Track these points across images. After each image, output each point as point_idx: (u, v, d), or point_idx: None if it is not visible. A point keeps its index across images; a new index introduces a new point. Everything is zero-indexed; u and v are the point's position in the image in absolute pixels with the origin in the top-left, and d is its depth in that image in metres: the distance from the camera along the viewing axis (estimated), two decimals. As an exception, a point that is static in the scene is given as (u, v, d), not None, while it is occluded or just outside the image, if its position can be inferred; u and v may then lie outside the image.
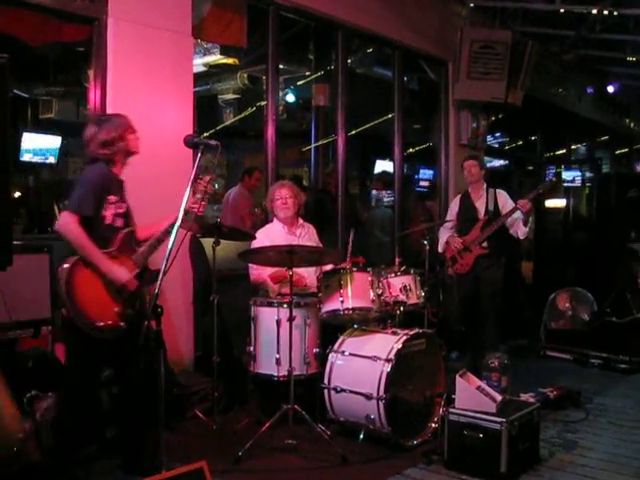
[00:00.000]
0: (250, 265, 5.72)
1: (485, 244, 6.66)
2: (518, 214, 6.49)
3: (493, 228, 6.61)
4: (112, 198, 4.12)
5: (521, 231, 6.64)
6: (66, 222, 3.96)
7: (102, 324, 3.94)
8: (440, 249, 7.06)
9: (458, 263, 6.81)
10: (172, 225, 4.11)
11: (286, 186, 5.90)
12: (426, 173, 11.17)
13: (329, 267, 5.67)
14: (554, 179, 6.93)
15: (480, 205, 6.85)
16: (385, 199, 10.40)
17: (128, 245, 4.18)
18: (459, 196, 7.20)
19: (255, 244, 5.56)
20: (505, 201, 6.78)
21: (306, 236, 5.90)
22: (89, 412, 4.15)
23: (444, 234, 7.06)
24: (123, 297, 4.08)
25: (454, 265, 6.86)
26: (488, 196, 6.83)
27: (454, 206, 7.18)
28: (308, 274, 5.70)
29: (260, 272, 5.69)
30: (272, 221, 5.99)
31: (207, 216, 9.08)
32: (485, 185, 6.91)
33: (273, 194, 5.87)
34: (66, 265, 3.92)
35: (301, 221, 5.96)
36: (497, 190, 6.88)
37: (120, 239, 4.15)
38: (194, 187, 4.37)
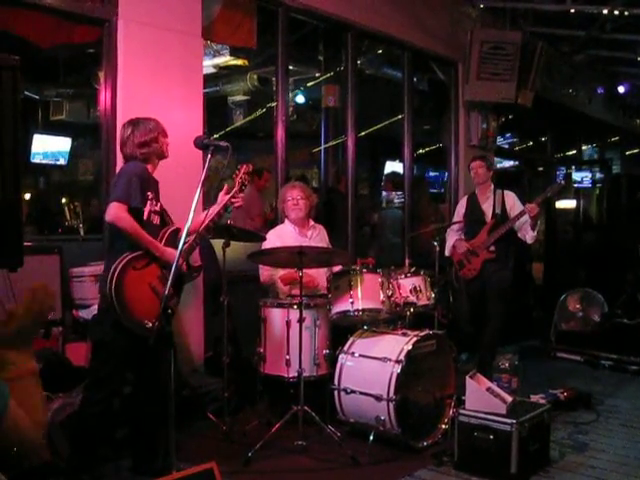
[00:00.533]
0: (260, 266, 5.73)
1: (492, 248, 6.48)
2: (526, 218, 6.33)
3: (500, 232, 6.44)
4: (150, 194, 4.18)
5: (529, 235, 6.48)
6: (117, 212, 4.00)
7: (150, 324, 3.95)
8: (447, 253, 6.89)
9: (465, 267, 6.64)
10: (213, 221, 4.23)
11: (297, 187, 5.90)
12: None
13: (338, 268, 5.67)
14: (562, 182, 6.75)
15: (487, 207, 6.67)
16: (395, 200, 10.38)
17: (172, 243, 4.20)
18: (465, 197, 7.08)
19: (266, 245, 5.57)
20: (513, 203, 6.62)
21: (317, 237, 5.89)
22: (105, 411, 4.15)
23: (451, 237, 6.90)
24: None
25: (461, 269, 6.70)
26: (495, 198, 6.65)
27: (460, 208, 7.02)
28: (318, 275, 5.70)
29: (271, 273, 5.70)
30: (283, 222, 5.99)
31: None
32: (493, 186, 6.76)
33: (284, 195, 5.87)
34: (115, 268, 3.93)
35: (312, 222, 5.96)
36: (505, 191, 6.72)
37: (166, 237, 4.22)
38: (233, 179, 4.45)
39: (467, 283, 6.73)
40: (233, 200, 4.48)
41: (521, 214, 6.34)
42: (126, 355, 4.14)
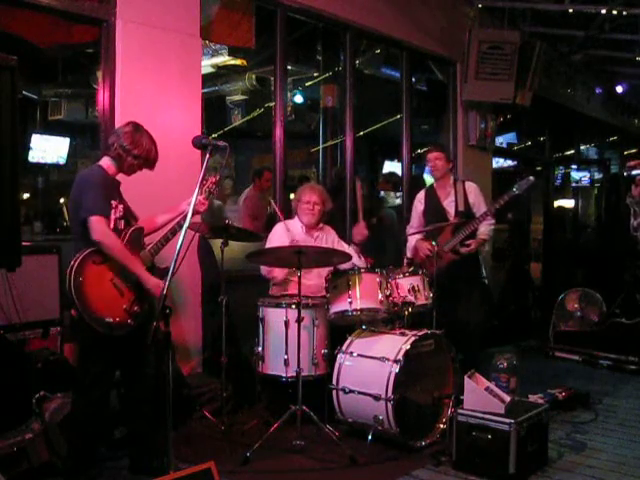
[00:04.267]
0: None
1: (458, 249, 5.95)
2: (490, 219, 5.97)
3: (465, 233, 5.90)
4: (113, 203, 4.14)
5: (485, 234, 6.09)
6: (102, 229, 3.96)
7: (111, 320, 3.95)
8: (409, 254, 6.35)
9: (426, 271, 5.82)
10: (179, 224, 4.19)
11: (317, 192, 5.78)
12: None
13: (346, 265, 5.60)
14: (531, 179, 6.07)
15: (449, 204, 6.16)
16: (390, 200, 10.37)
17: (136, 243, 4.20)
18: (423, 192, 6.50)
19: (272, 236, 5.62)
20: (475, 197, 6.15)
21: (322, 239, 5.85)
22: (99, 412, 4.15)
23: (412, 237, 6.39)
24: (132, 295, 4.09)
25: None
26: (457, 193, 6.13)
27: (418, 204, 6.45)
28: (319, 276, 5.66)
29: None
30: (294, 218, 5.95)
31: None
32: (452, 179, 6.28)
33: (302, 196, 5.76)
34: (74, 262, 3.90)
35: (321, 224, 5.91)
36: (466, 183, 6.23)
37: (128, 237, 4.16)
38: (202, 186, 4.42)
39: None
40: (197, 206, 4.32)
41: (485, 215, 5.93)
42: (109, 357, 4.13)
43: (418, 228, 6.37)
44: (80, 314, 3.92)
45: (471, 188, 6.21)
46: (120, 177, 4.29)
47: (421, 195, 6.52)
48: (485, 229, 6.10)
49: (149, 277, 4.09)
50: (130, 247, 4.13)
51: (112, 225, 4.10)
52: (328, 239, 5.92)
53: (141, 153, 4.20)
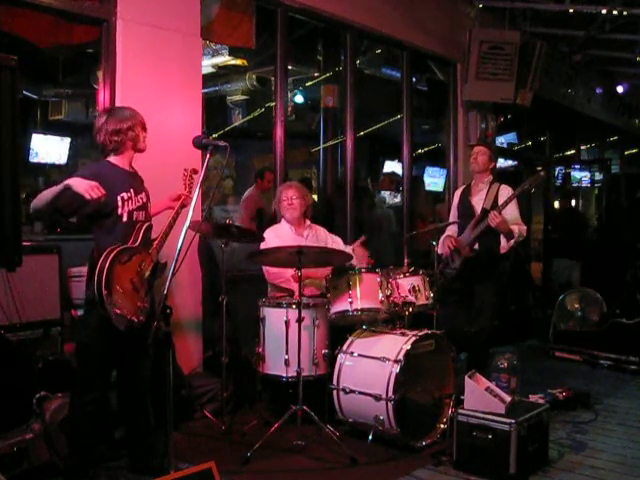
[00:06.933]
0: (265, 267, 5.71)
1: (476, 246, 5.92)
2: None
3: (481, 228, 5.83)
4: (124, 195, 4.11)
5: (502, 244, 5.95)
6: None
7: (133, 319, 3.95)
8: (439, 250, 6.13)
9: (448, 266, 6.05)
10: (174, 219, 4.18)
11: (293, 187, 5.89)
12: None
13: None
14: (542, 173, 6.13)
15: (477, 202, 6.09)
16: (388, 200, 10.38)
17: (147, 240, 4.19)
18: (460, 189, 6.58)
19: (266, 243, 5.59)
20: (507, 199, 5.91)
21: (313, 238, 5.86)
22: (96, 413, 4.14)
23: (445, 232, 6.33)
24: (144, 290, 4.08)
25: (445, 267, 6.06)
26: (489, 191, 6.03)
27: (455, 198, 6.49)
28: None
29: (280, 271, 5.68)
30: (280, 221, 5.99)
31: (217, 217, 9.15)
32: (490, 178, 6.14)
33: (280, 195, 5.87)
34: (103, 264, 3.83)
35: (308, 222, 5.94)
36: (502, 185, 6.06)
37: (142, 235, 4.14)
38: (183, 182, 4.43)
39: (450, 282, 6.09)
40: (185, 202, 4.43)
41: (502, 206, 5.78)
42: (106, 357, 4.13)
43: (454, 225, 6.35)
44: (102, 313, 3.85)
45: (504, 190, 6.02)
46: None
47: (459, 190, 6.59)
48: (515, 228, 5.90)
49: (78, 181, 3.92)
50: (144, 243, 4.12)
51: (127, 218, 4.09)
52: (319, 239, 5.92)
53: (132, 123, 4.18)
